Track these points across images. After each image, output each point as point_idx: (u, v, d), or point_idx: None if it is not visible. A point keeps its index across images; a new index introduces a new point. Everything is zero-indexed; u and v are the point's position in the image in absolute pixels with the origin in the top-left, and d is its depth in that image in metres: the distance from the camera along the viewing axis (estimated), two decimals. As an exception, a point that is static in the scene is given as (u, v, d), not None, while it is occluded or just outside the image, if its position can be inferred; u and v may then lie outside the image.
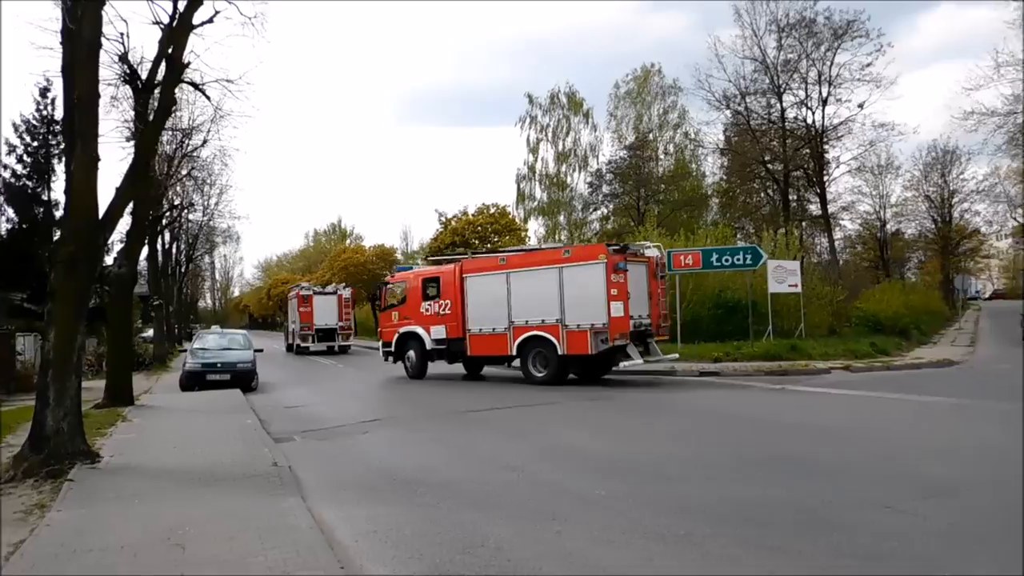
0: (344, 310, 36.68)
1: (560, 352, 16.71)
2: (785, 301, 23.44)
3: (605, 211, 43.83)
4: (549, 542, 5.49)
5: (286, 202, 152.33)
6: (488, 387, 17.57)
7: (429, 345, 19.68)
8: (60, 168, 31.17)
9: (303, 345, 35.66)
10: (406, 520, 6.17)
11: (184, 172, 32.25)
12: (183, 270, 52.05)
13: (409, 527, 5.97)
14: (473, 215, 32.16)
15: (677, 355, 18.45)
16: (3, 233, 30.87)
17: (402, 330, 20.52)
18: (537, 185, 50.37)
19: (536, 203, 50.11)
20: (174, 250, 45.23)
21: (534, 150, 50.51)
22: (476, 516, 6.22)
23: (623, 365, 16.42)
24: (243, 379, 18.69)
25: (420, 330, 19.92)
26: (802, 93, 34.95)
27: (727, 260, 22.40)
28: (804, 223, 37.41)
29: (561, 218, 49.98)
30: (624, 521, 5.90)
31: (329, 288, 38.15)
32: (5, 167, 30.20)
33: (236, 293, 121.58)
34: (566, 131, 50.64)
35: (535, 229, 49.81)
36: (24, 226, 30.40)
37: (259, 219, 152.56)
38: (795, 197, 37.38)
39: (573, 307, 16.47)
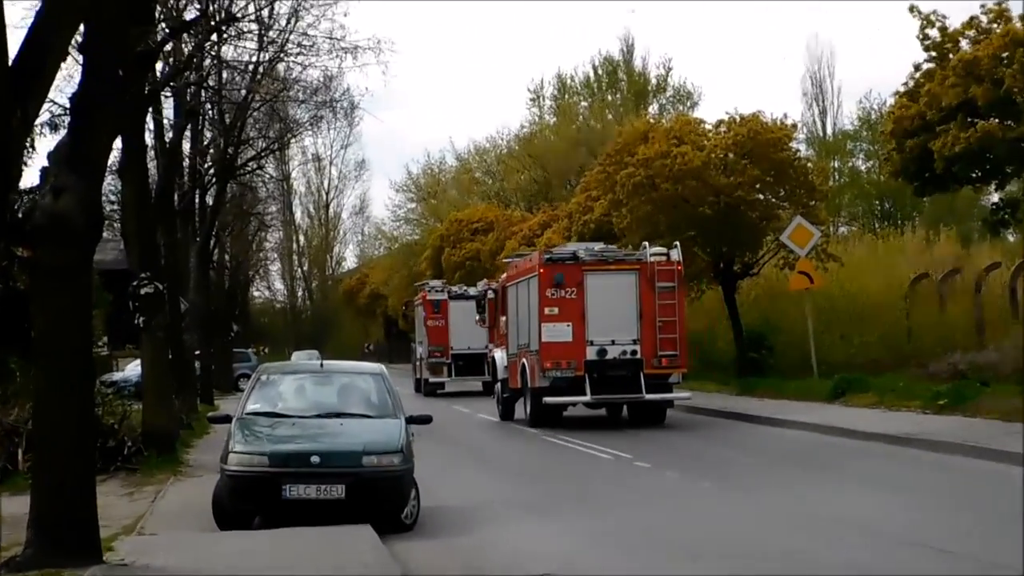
0: None
1: (520, 384, 22.33)
2: None
3: None
4: None
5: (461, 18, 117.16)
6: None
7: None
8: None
9: (433, 380, 35.98)
10: None
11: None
12: (213, 204, 33.89)
13: None
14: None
15: (689, 394, 22.43)
16: None
17: None
18: None
19: None
20: (186, 148, 28.53)
21: None
22: None
23: (560, 401, 20.83)
24: (378, 496, 12.27)
25: None
26: None
27: None
28: None
29: None
30: None
31: (473, 289, 34.56)
32: None
33: (350, 263, 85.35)
34: None
35: None
36: None
37: (406, 69, 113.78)
38: None
39: (533, 330, 21.28)
